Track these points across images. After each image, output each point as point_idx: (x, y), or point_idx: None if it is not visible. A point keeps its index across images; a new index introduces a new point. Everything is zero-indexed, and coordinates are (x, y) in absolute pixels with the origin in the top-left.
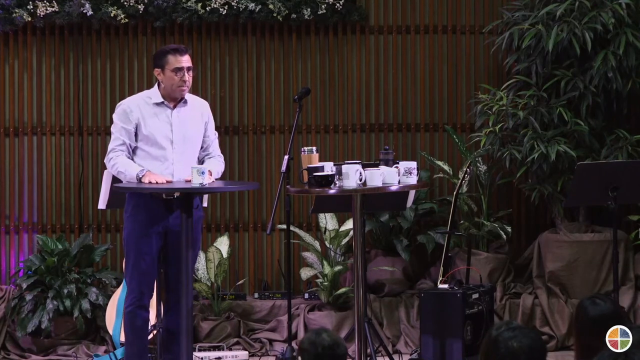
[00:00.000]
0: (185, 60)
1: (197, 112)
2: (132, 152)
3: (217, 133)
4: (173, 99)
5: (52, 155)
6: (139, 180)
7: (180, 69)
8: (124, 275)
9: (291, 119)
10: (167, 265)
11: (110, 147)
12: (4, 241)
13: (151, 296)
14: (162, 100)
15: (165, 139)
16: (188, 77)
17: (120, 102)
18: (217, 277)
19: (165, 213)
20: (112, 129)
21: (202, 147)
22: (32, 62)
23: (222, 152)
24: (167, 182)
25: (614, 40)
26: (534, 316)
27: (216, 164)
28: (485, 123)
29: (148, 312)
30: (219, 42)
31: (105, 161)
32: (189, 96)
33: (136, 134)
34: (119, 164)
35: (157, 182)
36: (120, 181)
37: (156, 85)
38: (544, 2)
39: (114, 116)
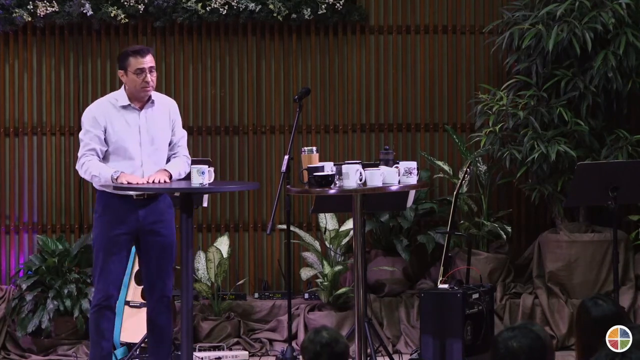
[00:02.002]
0: (148, 61)
1: (165, 111)
2: (103, 156)
3: (185, 132)
4: (139, 100)
5: (52, 155)
6: (114, 181)
7: (142, 70)
8: (92, 276)
9: (291, 119)
10: (146, 263)
11: (80, 153)
12: (4, 241)
13: (118, 297)
14: (128, 102)
15: (134, 141)
16: (151, 77)
17: (88, 108)
18: (217, 277)
19: (135, 213)
20: (81, 135)
21: (169, 146)
22: (32, 62)
23: (222, 152)
24: (146, 182)
25: (614, 40)
26: (534, 316)
27: (179, 164)
28: (485, 123)
29: (114, 313)
30: (219, 42)
31: (77, 167)
32: (156, 96)
33: (105, 139)
34: (92, 168)
35: (131, 183)
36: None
37: (123, 87)
38: (544, 2)
39: (83, 121)
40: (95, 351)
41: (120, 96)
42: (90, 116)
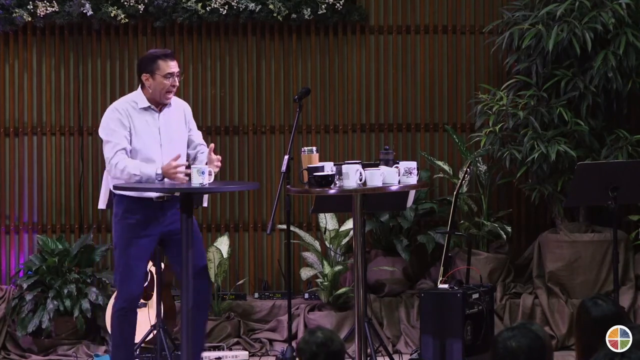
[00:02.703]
0: (174, 66)
1: (180, 112)
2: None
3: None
4: (158, 103)
5: (52, 155)
6: (158, 179)
7: (172, 74)
8: (114, 278)
9: (291, 119)
10: (177, 257)
11: (109, 154)
12: (4, 241)
13: (140, 299)
14: (148, 104)
15: (154, 142)
16: (177, 82)
17: (110, 109)
18: (217, 277)
19: (156, 215)
20: (106, 136)
21: (188, 145)
22: (32, 62)
23: (222, 152)
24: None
25: (614, 40)
26: (534, 316)
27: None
28: (485, 123)
29: (136, 314)
30: (219, 42)
31: (107, 169)
32: (173, 102)
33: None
34: (130, 167)
35: (177, 177)
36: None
37: (139, 89)
38: (544, 2)
39: (108, 122)
40: (118, 353)
41: (138, 98)
42: (115, 117)
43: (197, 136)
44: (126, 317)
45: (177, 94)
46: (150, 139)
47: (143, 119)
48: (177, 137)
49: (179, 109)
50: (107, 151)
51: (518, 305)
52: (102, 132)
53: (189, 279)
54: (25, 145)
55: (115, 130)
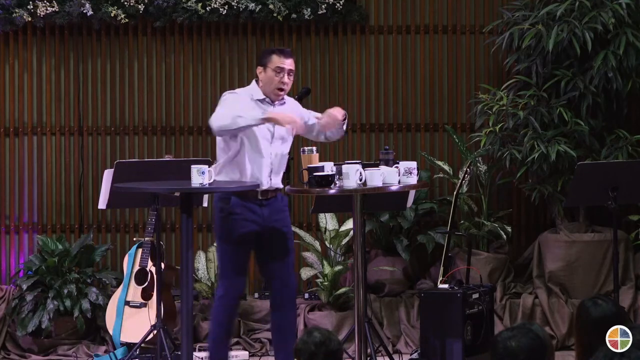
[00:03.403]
0: (289, 63)
1: (293, 106)
2: (232, 140)
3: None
4: (272, 98)
5: (52, 155)
6: (263, 120)
7: (281, 69)
8: (218, 272)
9: None
10: (268, 257)
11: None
12: (4, 241)
13: (242, 292)
14: (263, 96)
15: (266, 133)
16: (288, 80)
17: (230, 92)
18: (217, 277)
19: (258, 211)
20: (220, 107)
21: (313, 130)
22: (32, 62)
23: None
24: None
25: (614, 40)
26: (534, 316)
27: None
28: (485, 123)
29: (238, 307)
30: (219, 42)
31: (210, 122)
32: (286, 98)
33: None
34: (234, 110)
35: (294, 120)
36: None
37: (254, 82)
38: (544, 2)
39: (225, 99)
40: (217, 347)
41: (254, 91)
42: (233, 97)
43: (310, 113)
44: (229, 312)
45: (177, 94)
46: (261, 130)
47: (258, 110)
48: (284, 133)
49: (290, 106)
50: (216, 111)
51: (518, 305)
52: (217, 108)
53: (189, 279)
54: (25, 145)
55: (230, 103)
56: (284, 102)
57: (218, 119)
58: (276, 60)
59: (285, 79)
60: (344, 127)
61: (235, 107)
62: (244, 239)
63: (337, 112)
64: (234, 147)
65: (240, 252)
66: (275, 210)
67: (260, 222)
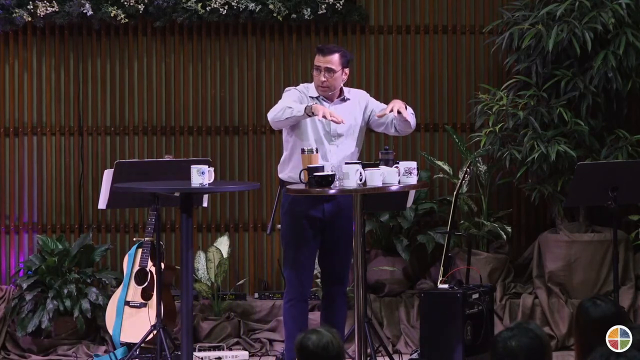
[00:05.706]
0: (324, 61)
1: (355, 104)
2: (289, 135)
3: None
4: (332, 95)
5: (52, 155)
6: (309, 112)
7: (317, 68)
8: (283, 270)
9: None
10: (327, 254)
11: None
12: (4, 241)
13: (310, 289)
14: (317, 94)
15: (322, 130)
16: (324, 77)
17: (290, 89)
18: (217, 277)
19: (320, 207)
20: (281, 100)
21: (380, 125)
22: (32, 62)
23: (222, 152)
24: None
25: (614, 40)
26: (534, 316)
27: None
28: (485, 123)
29: (308, 304)
30: (219, 42)
31: (268, 115)
32: (350, 92)
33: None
34: (286, 102)
35: (327, 116)
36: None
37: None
38: (544, 2)
39: (284, 93)
40: (291, 343)
41: (310, 88)
42: (293, 92)
43: (379, 107)
44: (298, 308)
45: (177, 94)
46: (314, 126)
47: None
48: (344, 130)
49: (355, 101)
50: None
51: (518, 305)
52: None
53: (189, 279)
54: (25, 145)
55: (285, 96)
56: (347, 99)
57: (272, 111)
58: (315, 58)
59: (322, 76)
60: (410, 119)
61: (288, 100)
62: (304, 234)
63: (395, 105)
64: (290, 141)
65: (300, 247)
66: (335, 205)
67: (321, 217)
